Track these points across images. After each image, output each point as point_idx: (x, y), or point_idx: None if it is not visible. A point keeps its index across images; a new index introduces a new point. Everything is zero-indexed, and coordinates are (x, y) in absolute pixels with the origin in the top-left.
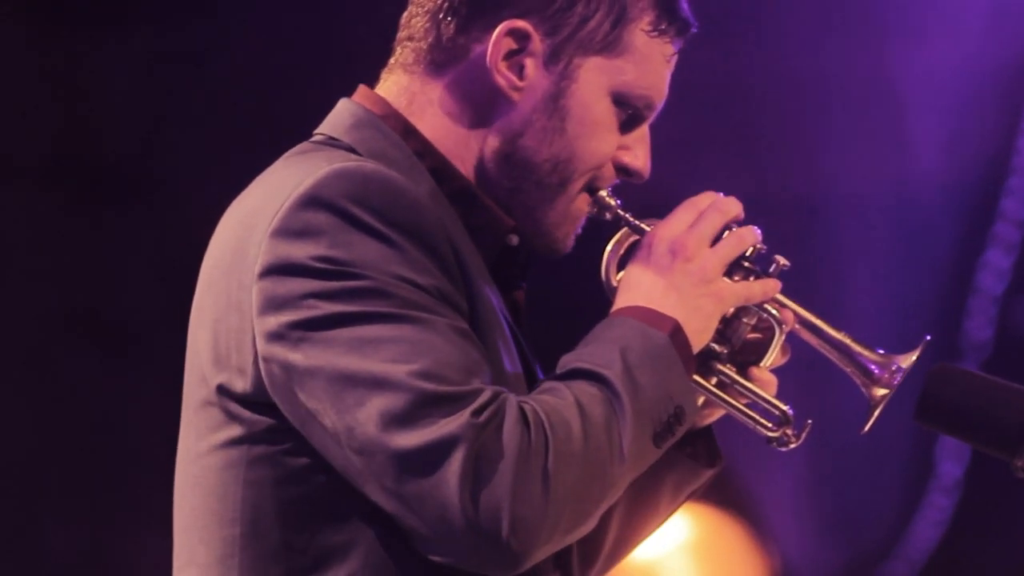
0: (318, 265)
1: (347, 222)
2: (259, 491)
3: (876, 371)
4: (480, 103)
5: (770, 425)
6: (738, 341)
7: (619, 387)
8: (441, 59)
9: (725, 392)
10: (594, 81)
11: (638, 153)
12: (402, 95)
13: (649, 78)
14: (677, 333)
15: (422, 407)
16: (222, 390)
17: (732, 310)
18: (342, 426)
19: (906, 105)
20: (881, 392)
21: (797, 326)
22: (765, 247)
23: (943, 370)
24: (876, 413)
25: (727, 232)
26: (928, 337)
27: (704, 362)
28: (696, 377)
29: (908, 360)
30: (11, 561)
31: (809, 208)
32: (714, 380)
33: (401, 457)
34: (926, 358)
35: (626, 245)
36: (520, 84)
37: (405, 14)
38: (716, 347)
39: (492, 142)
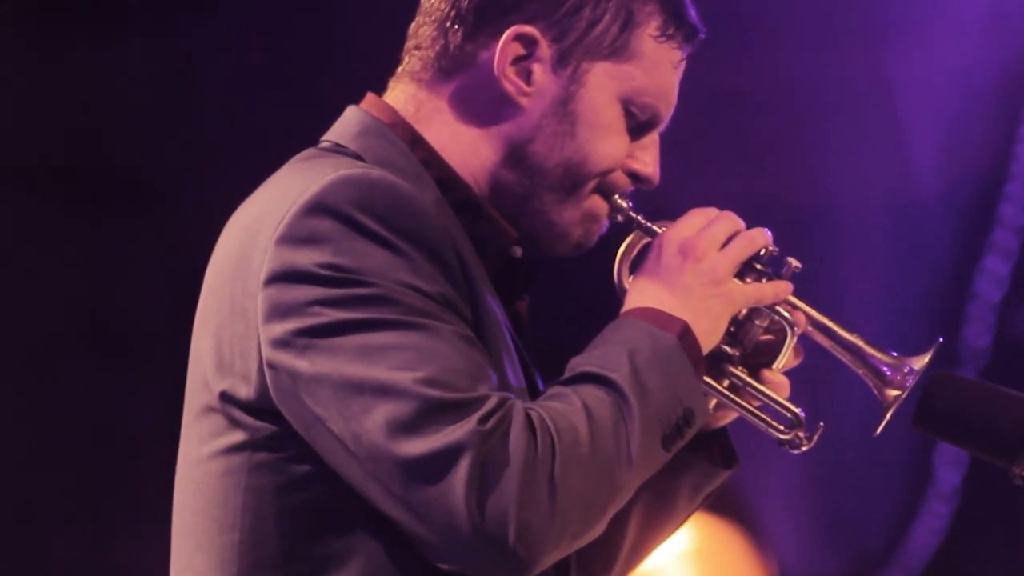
0: (324, 272)
1: (352, 229)
2: (260, 498)
3: (888, 373)
4: (488, 110)
5: (782, 427)
6: (750, 343)
7: (627, 390)
8: (448, 67)
9: (737, 394)
10: (603, 86)
11: (647, 160)
12: (409, 103)
13: (658, 84)
14: (686, 334)
15: (428, 414)
16: (225, 396)
17: (744, 312)
18: (348, 433)
19: (905, 111)
20: (893, 394)
21: (809, 328)
22: (777, 249)
23: (941, 377)
24: (888, 415)
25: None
26: (941, 339)
27: (716, 364)
28: (708, 379)
29: (921, 362)
30: (12, 565)
31: (807, 214)
32: (726, 382)
33: (407, 464)
34: (925, 366)
35: (638, 248)
36: (528, 90)
37: (413, 23)
38: (728, 349)
39: (502, 148)
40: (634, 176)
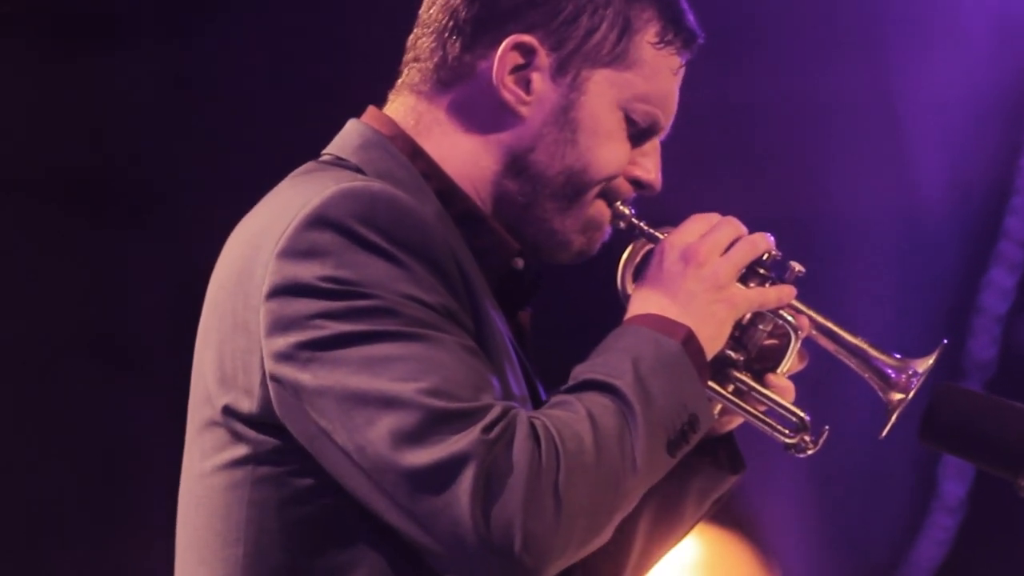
0: (325, 285)
1: (353, 242)
2: (263, 511)
3: (893, 376)
4: (488, 119)
5: (787, 432)
6: (754, 348)
7: (631, 397)
8: (447, 78)
9: (742, 399)
10: (604, 93)
11: (649, 166)
12: (409, 115)
13: (658, 91)
14: (690, 340)
15: (432, 425)
16: (228, 410)
17: (748, 317)
18: (353, 445)
19: (910, 124)
20: (898, 397)
21: (813, 332)
22: (780, 254)
23: (947, 390)
24: (893, 418)
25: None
26: (945, 341)
27: (721, 369)
28: (713, 384)
29: (925, 364)
30: None
31: (813, 227)
32: (731, 387)
33: (412, 475)
34: (929, 377)
35: (641, 254)
36: (527, 99)
37: (411, 36)
38: (732, 354)
39: (503, 158)
40: (636, 183)
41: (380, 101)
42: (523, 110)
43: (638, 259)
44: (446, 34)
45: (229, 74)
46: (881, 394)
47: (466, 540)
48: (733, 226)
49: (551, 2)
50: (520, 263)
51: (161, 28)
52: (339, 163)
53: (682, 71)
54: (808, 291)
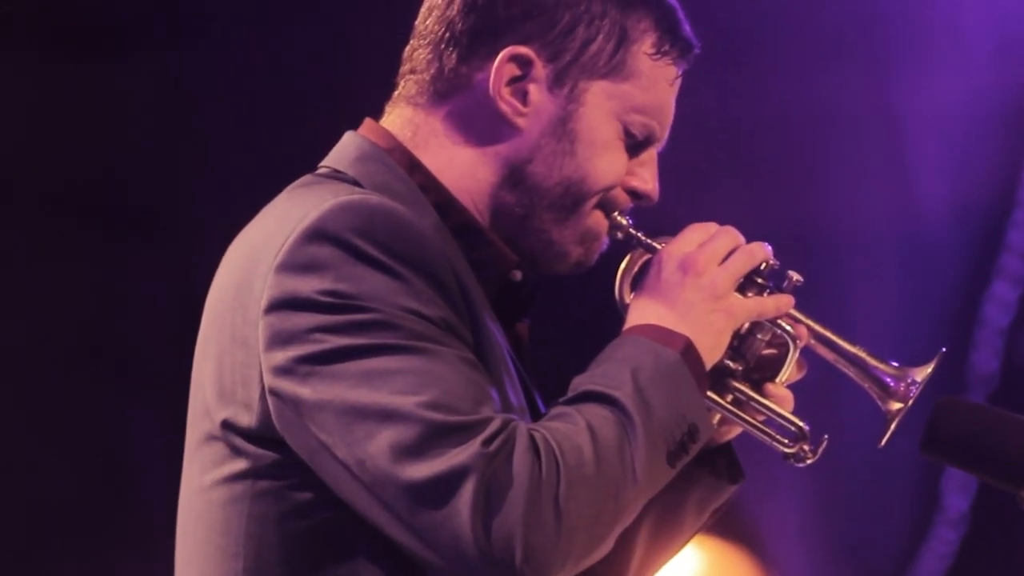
0: (324, 299)
1: (352, 255)
2: (263, 525)
3: (892, 384)
4: (485, 131)
5: (786, 441)
6: (753, 357)
7: (630, 408)
8: (444, 90)
9: (741, 409)
10: (601, 105)
11: (646, 176)
12: (406, 127)
13: (655, 101)
14: (688, 350)
15: (432, 438)
16: (227, 424)
17: (746, 326)
18: (353, 459)
19: (913, 137)
20: (897, 406)
21: (812, 341)
22: (778, 263)
23: (949, 402)
24: (892, 427)
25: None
26: (944, 349)
27: (719, 379)
28: (711, 394)
29: (923, 373)
30: None
31: (815, 240)
32: (729, 397)
33: (412, 489)
34: (932, 390)
35: (639, 264)
36: (524, 110)
37: (407, 47)
38: (731, 364)
39: (500, 170)
40: (633, 193)
41: (382, 111)
42: (520, 122)
43: (636, 269)
44: (442, 46)
45: (231, 84)
46: (880, 403)
47: (467, 553)
48: (731, 236)
49: (548, 13)
50: (518, 275)
51: (164, 37)
52: (336, 176)
53: (679, 81)
54: (810, 303)
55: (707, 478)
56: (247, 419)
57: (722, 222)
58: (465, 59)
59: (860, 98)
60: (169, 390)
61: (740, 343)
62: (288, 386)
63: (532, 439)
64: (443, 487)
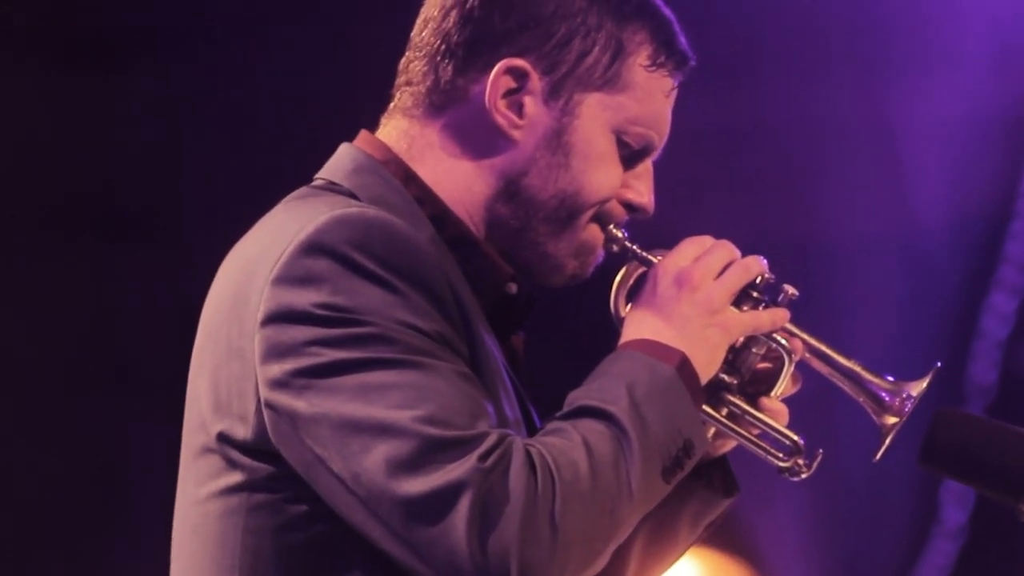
0: (320, 312)
1: (349, 268)
2: (259, 538)
3: (887, 399)
4: (481, 144)
5: (781, 455)
6: (748, 371)
7: (626, 423)
8: (440, 102)
9: (736, 423)
10: (596, 117)
11: (641, 189)
12: (402, 139)
13: (650, 113)
14: (684, 365)
15: (428, 453)
16: (222, 437)
17: (741, 340)
18: (348, 473)
19: (911, 148)
20: (892, 420)
21: (807, 355)
22: (773, 277)
23: (947, 414)
24: (887, 441)
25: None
26: (939, 364)
27: (714, 393)
28: (706, 408)
29: (919, 387)
30: None
31: (812, 252)
32: (724, 411)
33: (408, 503)
34: (930, 402)
35: (634, 278)
36: (520, 122)
37: (403, 59)
38: (726, 378)
39: (496, 182)
40: (629, 206)
41: (378, 122)
42: (516, 134)
43: (631, 282)
44: (438, 58)
45: (229, 95)
46: (875, 417)
47: (462, 569)
48: (727, 249)
49: (543, 26)
50: (513, 287)
51: (164, 48)
52: (332, 188)
53: (674, 93)
54: (808, 316)
55: (702, 491)
56: (243, 432)
57: (718, 235)
58: (461, 71)
59: (857, 109)
60: (167, 396)
61: (735, 357)
62: (284, 399)
63: (528, 454)
64: (439, 502)
